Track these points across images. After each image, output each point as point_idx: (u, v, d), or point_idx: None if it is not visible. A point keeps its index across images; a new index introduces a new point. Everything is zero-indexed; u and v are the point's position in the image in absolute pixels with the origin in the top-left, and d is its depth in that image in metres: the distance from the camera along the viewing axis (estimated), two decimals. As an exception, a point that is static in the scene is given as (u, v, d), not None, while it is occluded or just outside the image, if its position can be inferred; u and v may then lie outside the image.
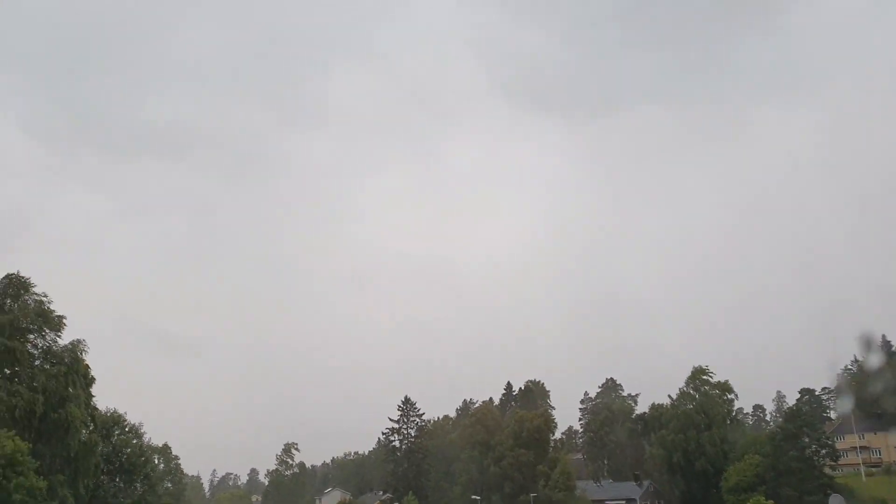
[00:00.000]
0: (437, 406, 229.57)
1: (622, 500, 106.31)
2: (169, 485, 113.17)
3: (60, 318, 63.68)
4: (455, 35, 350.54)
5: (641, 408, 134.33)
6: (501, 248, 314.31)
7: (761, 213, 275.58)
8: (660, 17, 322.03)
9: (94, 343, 65.80)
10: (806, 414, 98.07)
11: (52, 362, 62.14)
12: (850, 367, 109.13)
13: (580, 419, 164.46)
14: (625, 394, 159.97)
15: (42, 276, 66.13)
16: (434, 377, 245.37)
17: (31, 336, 62.82)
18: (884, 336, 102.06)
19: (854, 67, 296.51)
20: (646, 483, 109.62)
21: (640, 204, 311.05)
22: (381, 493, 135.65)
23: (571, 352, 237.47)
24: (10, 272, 63.31)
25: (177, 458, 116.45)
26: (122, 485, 78.78)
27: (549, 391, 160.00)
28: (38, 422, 58.05)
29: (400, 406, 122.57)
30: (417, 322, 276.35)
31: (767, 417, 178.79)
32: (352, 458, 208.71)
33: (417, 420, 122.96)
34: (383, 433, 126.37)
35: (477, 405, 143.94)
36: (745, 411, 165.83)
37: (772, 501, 76.70)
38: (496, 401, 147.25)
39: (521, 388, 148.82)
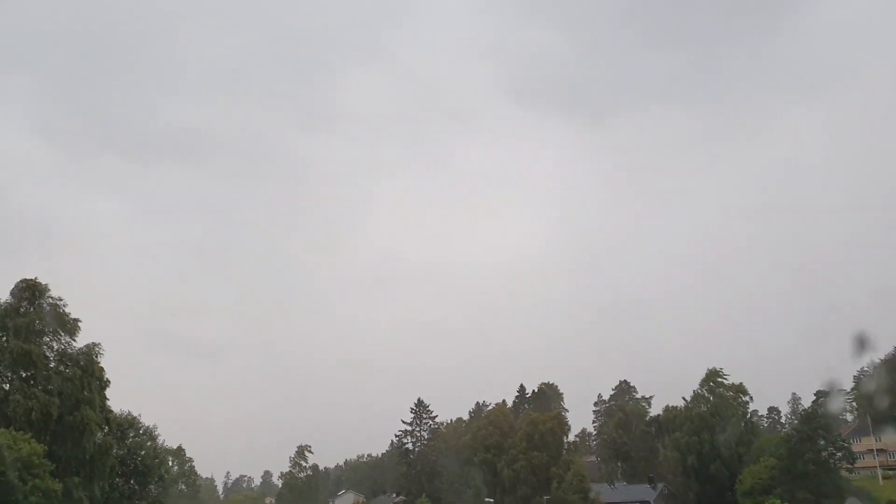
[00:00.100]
0: (451, 408, 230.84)
1: (636, 502, 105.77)
2: (183, 487, 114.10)
3: (76, 321, 64.13)
4: (466, 37, 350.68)
5: (655, 410, 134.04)
6: (514, 249, 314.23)
7: (776, 214, 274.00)
8: (671, 18, 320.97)
9: (109, 345, 66.07)
10: (821, 416, 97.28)
11: (67, 365, 62.55)
12: (866, 368, 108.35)
13: (594, 421, 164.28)
14: (638, 396, 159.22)
15: (59, 280, 66.36)
16: (447, 379, 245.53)
17: (47, 339, 63.34)
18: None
19: (866, 67, 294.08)
20: (660, 486, 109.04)
21: (654, 204, 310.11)
22: (394, 495, 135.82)
23: (585, 354, 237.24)
24: (27, 277, 63.92)
25: (191, 460, 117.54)
26: (136, 487, 79.11)
27: (562, 393, 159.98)
28: (53, 424, 58.39)
29: (413, 408, 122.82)
30: (431, 324, 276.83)
31: (783, 420, 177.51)
32: (365, 460, 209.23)
33: (430, 422, 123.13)
34: (396, 435, 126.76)
35: (490, 407, 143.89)
36: (759, 414, 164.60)
37: (787, 504, 76.24)
38: (509, 403, 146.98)
39: (534, 391, 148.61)
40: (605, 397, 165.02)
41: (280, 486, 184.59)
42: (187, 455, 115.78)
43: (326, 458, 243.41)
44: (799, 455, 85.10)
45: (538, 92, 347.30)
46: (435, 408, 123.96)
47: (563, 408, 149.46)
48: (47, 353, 62.77)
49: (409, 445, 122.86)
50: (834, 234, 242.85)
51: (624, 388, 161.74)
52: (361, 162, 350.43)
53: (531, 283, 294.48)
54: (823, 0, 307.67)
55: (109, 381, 66.51)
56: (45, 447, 52.14)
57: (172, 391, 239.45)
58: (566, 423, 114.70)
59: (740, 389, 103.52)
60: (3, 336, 60.83)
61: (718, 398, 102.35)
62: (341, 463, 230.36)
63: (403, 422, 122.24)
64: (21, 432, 51.90)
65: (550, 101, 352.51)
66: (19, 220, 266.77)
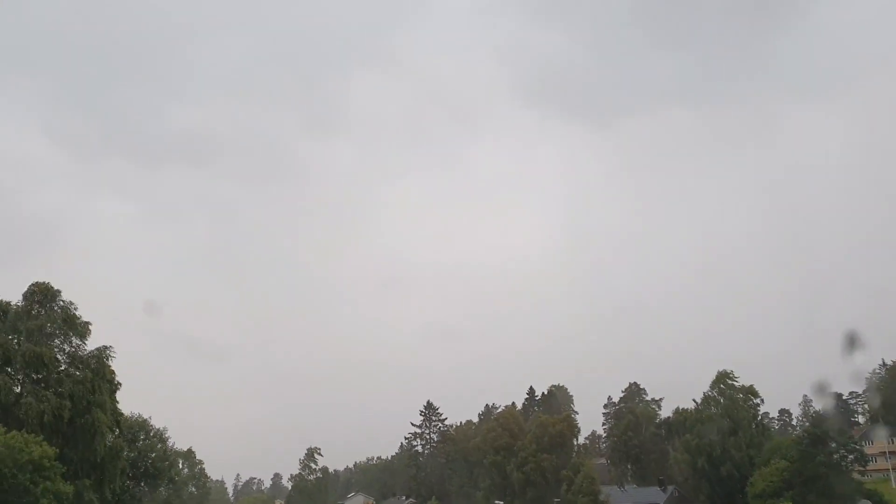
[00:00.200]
0: (460, 411, 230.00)
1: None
2: (193, 489, 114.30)
3: (86, 324, 64.55)
4: (476, 39, 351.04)
5: (665, 412, 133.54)
6: (524, 252, 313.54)
7: (788, 216, 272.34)
8: (678, 19, 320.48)
9: (119, 348, 66.40)
10: (833, 418, 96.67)
11: (78, 368, 62.92)
12: (878, 370, 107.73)
13: (604, 424, 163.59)
14: (648, 398, 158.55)
15: (70, 282, 66.82)
16: (457, 382, 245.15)
17: (58, 342, 63.74)
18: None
19: (870, 69, 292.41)
20: (670, 488, 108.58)
21: (664, 207, 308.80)
22: (404, 497, 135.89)
23: (595, 356, 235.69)
24: (38, 281, 64.36)
25: (201, 462, 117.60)
26: (146, 489, 79.59)
27: (572, 395, 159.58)
28: (65, 427, 58.75)
29: (422, 411, 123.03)
30: (440, 326, 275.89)
31: (794, 422, 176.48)
32: (375, 462, 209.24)
33: (440, 424, 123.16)
34: (406, 438, 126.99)
35: (500, 410, 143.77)
36: (770, 416, 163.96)
37: (799, 507, 75.70)
38: (519, 405, 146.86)
39: (544, 393, 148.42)
40: (615, 399, 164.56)
41: (290, 488, 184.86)
42: (198, 457, 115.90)
43: (336, 460, 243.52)
44: (810, 457, 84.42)
45: (545, 94, 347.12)
46: (444, 410, 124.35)
47: (573, 410, 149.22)
48: (59, 356, 63.21)
49: (419, 448, 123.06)
50: (853, 236, 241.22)
51: (634, 391, 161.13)
52: (367, 164, 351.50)
53: (539, 284, 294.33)
54: (829, 2, 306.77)
55: (120, 384, 66.90)
56: (57, 449, 52.36)
57: (183, 394, 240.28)
58: (576, 426, 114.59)
59: (751, 391, 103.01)
60: (14, 339, 61.26)
61: (729, 400, 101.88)
62: (351, 465, 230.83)
63: (413, 424, 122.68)
64: (32, 435, 52.14)
65: (557, 103, 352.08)
66: (27, 222, 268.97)
